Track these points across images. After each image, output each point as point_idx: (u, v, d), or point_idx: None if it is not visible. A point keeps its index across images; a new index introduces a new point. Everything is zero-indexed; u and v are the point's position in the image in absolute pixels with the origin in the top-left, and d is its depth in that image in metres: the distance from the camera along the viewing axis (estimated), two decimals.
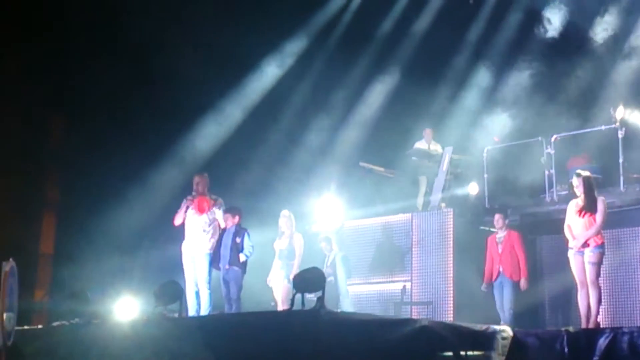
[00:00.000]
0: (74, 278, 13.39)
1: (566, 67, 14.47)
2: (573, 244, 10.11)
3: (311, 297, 8.39)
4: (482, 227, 13.38)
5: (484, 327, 9.22)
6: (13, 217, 13.97)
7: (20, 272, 8.29)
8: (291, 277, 11.09)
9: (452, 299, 12.88)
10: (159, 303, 9.85)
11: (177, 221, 11.50)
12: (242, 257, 11.69)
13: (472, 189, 13.86)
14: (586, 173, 10.39)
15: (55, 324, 10.31)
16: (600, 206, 10.07)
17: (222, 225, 11.60)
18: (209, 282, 11.33)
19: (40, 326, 11.06)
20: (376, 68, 16.77)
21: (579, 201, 10.21)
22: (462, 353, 8.96)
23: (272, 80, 16.17)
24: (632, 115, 12.60)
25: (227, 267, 11.68)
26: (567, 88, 14.36)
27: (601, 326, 10.12)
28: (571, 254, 10.15)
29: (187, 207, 11.43)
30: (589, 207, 10.08)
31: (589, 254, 9.99)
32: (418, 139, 15.33)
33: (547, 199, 12.83)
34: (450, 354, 8.93)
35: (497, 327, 9.35)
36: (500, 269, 11.91)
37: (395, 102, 16.56)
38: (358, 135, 16.64)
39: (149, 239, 14.75)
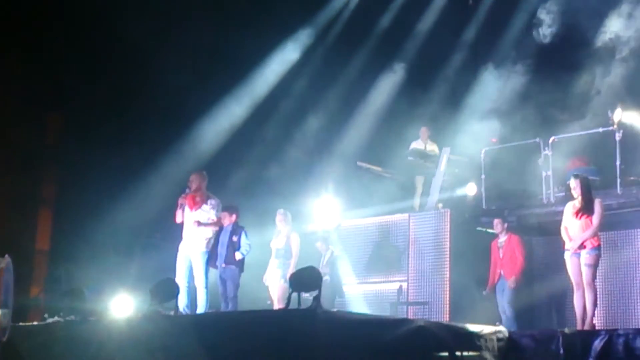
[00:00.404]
0: (70, 275, 13.39)
1: (564, 68, 14.47)
2: (569, 246, 10.11)
3: (307, 296, 8.38)
4: (479, 228, 13.39)
5: (479, 327, 9.21)
6: (9, 214, 13.97)
7: (16, 268, 8.29)
8: (287, 276, 11.07)
9: (448, 299, 12.94)
10: (154, 301, 9.82)
11: (178, 219, 11.46)
12: (238, 255, 11.66)
13: (470, 189, 13.86)
14: (584, 175, 10.41)
15: (49, 320, 10.28)
16: (597, 208, 10.08)
17: (216, 225, 11.47)
18: (206, 281, 11.26)
19: (35, 323, 11.03)
20: (374, 68, 16.77)
21: (576, 203, 10.21)
22: (458, 353, 8.92)
23: (270, 80, 16.17)
24: (630, 118, 12.61)
25: (223, 265, 11.68)
26: (565, 90, 14.36)
27: (597, 328, 10.12)
28: (567, 256, 10.15)
29: (182, 205, 11.35)
30: (586, 209, 10.08)
31: (585, 256, 9.99)
32: (415, 139, 15.33)
33: (544, 200, 12.84)
34: (446, 354, 8.91)
35: (493, 328, 9.35)
36: (502, 273, 12.04)
37: (393, 102, 16.57)
38: (356, 135, 16.64)
39: (145, 236, 14.73)
